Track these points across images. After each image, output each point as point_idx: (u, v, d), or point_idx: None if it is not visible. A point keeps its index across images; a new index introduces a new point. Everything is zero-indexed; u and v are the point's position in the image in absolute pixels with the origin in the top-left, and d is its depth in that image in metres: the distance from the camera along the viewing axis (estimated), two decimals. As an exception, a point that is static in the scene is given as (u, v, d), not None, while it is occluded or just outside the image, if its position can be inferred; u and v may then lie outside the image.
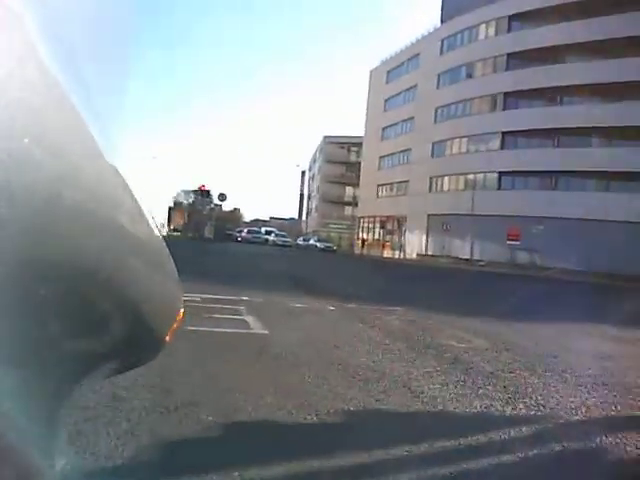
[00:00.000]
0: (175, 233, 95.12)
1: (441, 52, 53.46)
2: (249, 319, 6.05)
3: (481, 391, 4.00)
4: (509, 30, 47.97)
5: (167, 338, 0.78)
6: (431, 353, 5.17)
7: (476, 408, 3.58)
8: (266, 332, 5.40)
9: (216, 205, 58.32)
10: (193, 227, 56.93)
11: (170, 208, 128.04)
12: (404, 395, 3.69)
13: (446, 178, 50.46)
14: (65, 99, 0.55)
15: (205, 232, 48.29)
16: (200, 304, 6.84)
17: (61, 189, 0.50)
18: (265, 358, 4.29)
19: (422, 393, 3.76)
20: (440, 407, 3.52)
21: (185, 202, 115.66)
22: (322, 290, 10.32)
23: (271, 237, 57.05)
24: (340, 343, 5.18)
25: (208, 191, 53.28)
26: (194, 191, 61.46)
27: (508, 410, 3.60)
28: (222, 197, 48.11)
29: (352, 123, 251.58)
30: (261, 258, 23.62)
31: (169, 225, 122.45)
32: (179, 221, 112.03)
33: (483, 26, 50.18)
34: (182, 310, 0.84)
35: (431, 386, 3.98)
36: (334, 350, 4.85)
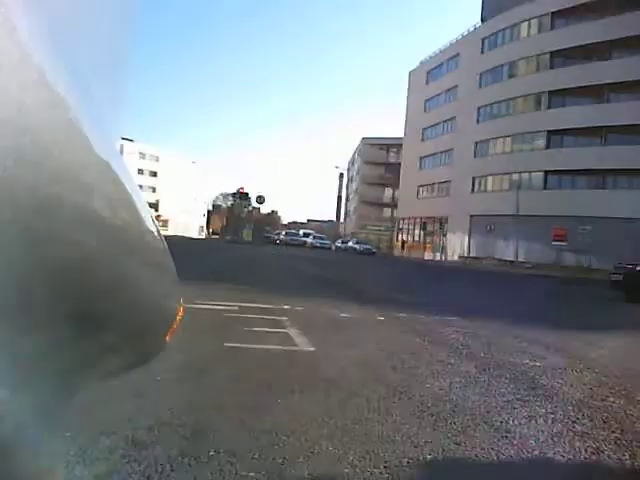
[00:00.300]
0: (214, 236, 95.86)
1: (482, 51, 52.21)
2: (292, 332, 5.42)
3: (578, 427, 3.26)
4: (552, 27, 46.46)
5: (167, 338, 0.82)
6: (505, 375, 4.45)
7: (581, 454, 2.84)
8: (313, 349, 4.76)
9: (254, 208, 58.21)
10: (232, 230, 57.01)
11: (209, 211, 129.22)
12: (488, 435, 2.98)
13: (489, 178, 49.17)
14: (65, 99, 0.55)
15: (244, 235, 48.05)
16: (239, 314, 6.26)
17: (61, 189, 0.50)
18: (315, 385, 3.63)
19: (509, 432, 3.05)
20: (536, 452, 2.80)
21: (224, 205, 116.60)
22: (367, 297, 9.64)
23: (309, 239, 56.69)
24: (398, 363, 4.50)
25: (247, 193, 53.07)
26: (233, 194, 61.52)
27: (627, 459, 2.84)
28: (260, 199, 47.87)
29: (391, 125, 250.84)
30: (300, 261, 23.03)
31: (208, 228, 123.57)
32: (218, 224, 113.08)
33: (525, 24, 48.78)
34: (182, 310, 0.87)
35: (516, 421, 3.27)
36: (393, 373, 4.17)
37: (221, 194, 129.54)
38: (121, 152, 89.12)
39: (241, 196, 53.85)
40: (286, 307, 7.12)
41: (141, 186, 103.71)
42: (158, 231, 0.78)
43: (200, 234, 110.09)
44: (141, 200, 0.72)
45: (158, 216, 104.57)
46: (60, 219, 0.49)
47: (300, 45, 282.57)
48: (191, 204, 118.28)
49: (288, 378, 3.73)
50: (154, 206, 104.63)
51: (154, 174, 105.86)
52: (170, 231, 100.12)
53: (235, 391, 3.31)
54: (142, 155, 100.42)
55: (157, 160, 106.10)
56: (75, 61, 0.61)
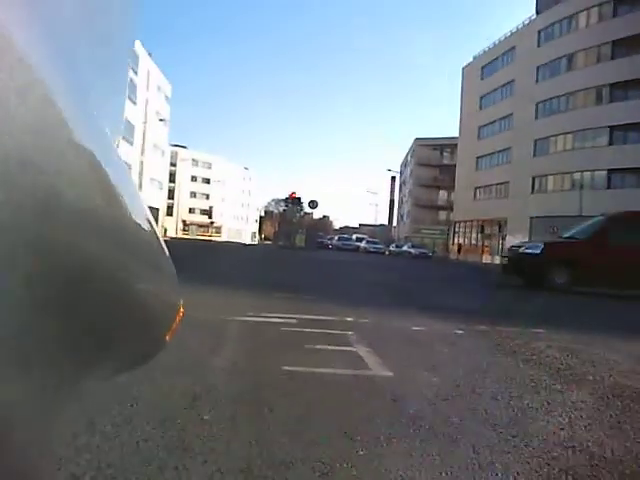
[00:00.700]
0: (266, 242, 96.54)
1: (538, 44, 50.31)
2: (362, 351, 4.65)
3: None
4: (614, 15, 44.25)
5: (167, 338, 0.84)
6: (633, 407, 3.55)
7: None
8: (390, 374, 3.96)
9: (306, 213, 57.92)
10: (283, 236, 56.89)
11: (261, 217, 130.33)
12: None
13: (550, 177, 47.30)
14: (66, 99, 0.55)
15: (296, 240, 47.55)
16: (298, 328, 5.53)
17: (60, 191, 0.50)
18: (402, 427, 2.83)
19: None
20: None
21: (275, 211, 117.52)
22: (436, 306, 8.77)
23: (362, 244, 56.19)
24: (498, 392, 3.66)
25: (299, 198, 52.71)
26: (285, 199, 61.33)
27: None
28: (313, 204, 47.33)
29: (444, 124, 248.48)
30: (356, 267, 22.26)
31: (260, 234, 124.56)
32: (270, 230, 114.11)
33: (583, 14, 46.75)
34: (182, 309, 0.88)
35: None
36: (495, 406, 3.33)
37: (273, 200, 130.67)
38: (174, 158, 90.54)
39: (293, 201, 53.51)
40: (349, 319, 6.36)
41: (194, 193, 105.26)
42: (157, 233, 0.78)
43: (252, 240, 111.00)
44: (140, 202, 0.73)
45: (211, 222, 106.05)
46: (58, 220, 0.49)
47: (351, 47, 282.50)
48: (243, 210, 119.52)
49: (367, 417, 2.95)
50: (207, 213, 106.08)
51: (207, 181, 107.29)
52: (223, 237, 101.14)
53: (303, 439, 2.56)
54: (195, 162, 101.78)
55: (210, 167, 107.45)
56: (73, 60, 0.61)
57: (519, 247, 15.68)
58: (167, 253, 0.81)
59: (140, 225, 0.71)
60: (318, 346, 4.71)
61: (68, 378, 0.57)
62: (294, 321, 5.93)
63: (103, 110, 0.77)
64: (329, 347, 4.72)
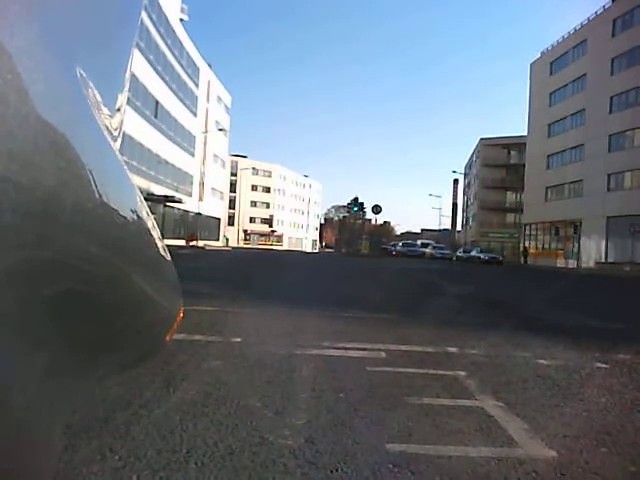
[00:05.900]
0: (327, 249, 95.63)
1: (613, 34, 47.01)
2: (490, 407, 3.24)
3: None
4: None
5: (167, 338, 0.84)
6: None
7: None
8: (552, 454, 2.54)
9: (367, 219, 56.48)
10: (345, 243, 55.77)
11: (321, 224, 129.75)
12: None
13: (627, 174, 44.06)
14: (66, 99, 0.55)
15: (361, 247, 46.08)
16: (389, 367, 4.16)
17: (61, 190, 0.50)
18: None
19: None
20: None
21: (335, 218, 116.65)
22: (552, 326, 7.13)
23: (428, 250, 54.30)
24: None
25: (362, 203, 51.27)
26: (347, 204, 60.02)
27: None
28: (377, 209, 45.72)
29: (508, 125, 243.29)
30: (432, 275, 20.59)
31: (321, 241, 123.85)
32: (330, 237, 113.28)
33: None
34: (182, 311, 0.88)
35: None
36: None
37: (332, 207, 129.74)
38: (235, 168, 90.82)
39: (355, 206, 52.15)
40: (452, 351, 4.93)
41: (255, 202, 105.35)
42: (158, 233, 0.78)
43: (313, 248, 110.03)
44: (141, 203, 0.73)
45: (272, 231, 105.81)
46: (59, 221, 0.50)
47: (413, 51, 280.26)
48: (304, 218, 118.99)
49: None
50: (268, 221, 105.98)
51: (267, 190, 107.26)
52: (284, 246, 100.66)
53: None
54: (255, 171, 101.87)
55: (270, 175, 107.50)
56: (73, 59, 0.62)
57: None
58: (168, 255, 0.80)
59: (140, 226, 0.72)
60: (425, 400, 3.33)
61: (69, 377, 0.57)
62: (382, 355, 4.56)
63: (104, 110, 0.73)
64: (441, 401, 3.32)
